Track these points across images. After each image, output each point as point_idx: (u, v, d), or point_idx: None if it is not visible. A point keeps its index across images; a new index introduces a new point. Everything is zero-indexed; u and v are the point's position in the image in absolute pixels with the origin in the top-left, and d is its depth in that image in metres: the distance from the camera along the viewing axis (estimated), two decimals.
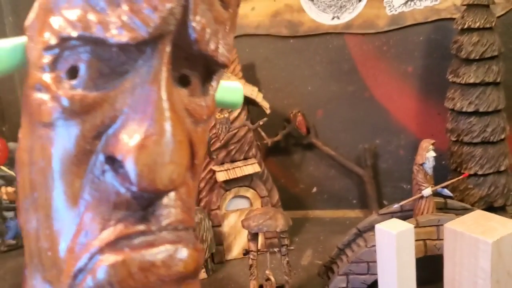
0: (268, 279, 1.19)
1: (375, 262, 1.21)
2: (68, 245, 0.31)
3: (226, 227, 1.57)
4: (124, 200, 0.30)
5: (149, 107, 0.28)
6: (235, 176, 1.53)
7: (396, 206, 1.33)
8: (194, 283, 0.33)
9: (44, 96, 0.30)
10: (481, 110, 1.47)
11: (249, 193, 1.64)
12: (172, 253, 0.31)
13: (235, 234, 1.62)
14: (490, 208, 1.45)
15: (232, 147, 1.55)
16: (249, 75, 1.83)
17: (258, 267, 1.23)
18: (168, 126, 0.28)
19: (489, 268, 0.99)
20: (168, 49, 0.29)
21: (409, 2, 1.75)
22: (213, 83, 0.35)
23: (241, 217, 1.34)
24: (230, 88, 0.42)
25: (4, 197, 1.98)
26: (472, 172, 1.50)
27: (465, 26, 1.46)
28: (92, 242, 0.30)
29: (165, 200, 0.31)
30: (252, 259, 1.20)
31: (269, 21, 1.84)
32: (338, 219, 2.02)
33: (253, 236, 1.20)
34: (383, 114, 1.93)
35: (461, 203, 1.37)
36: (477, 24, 1.44)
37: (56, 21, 0.29)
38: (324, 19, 1.84)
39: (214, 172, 1.50)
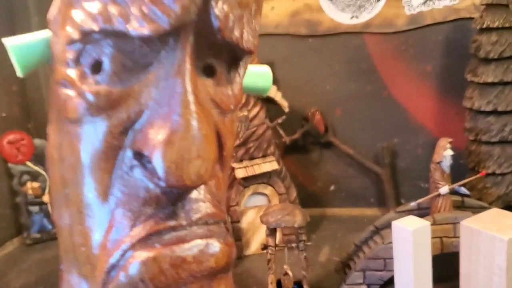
0: (286, 274, 1.20)
1: (391, 258, 1.22)
2: (100, 241, 0.31)
3: (244, 223, 1.60)
4: (153, 195, 0.30)
5: (174, 101, 0.27)
6: (254, 173, 1.55)
7: (413, 204, 1.34)
8: (227, 277, 0.33)
9: (69, 92, 0.30)
10: (499, 109, 1.47)
11: (268, 190, 1.66)
12: (203, 248, 0.30)
13: (253, 230, 1.64)
14: (508, 207, 1.45)
15: (251, 144, 1.58)
16: None
17: (276, 262, 1.26)
18: (194, 121, 0.27)
19: (505, 265, 1.00)
20: (191, 39, 0.28)
21: (428, 2, 1.76)
22: (240, 70, 0.34)
23: (259, 214, 1.37)
24: (258, 73, 0.40)
25: (30, 192, 2.03)
26: (490, 171, 1.50)
27: (484, 26, 1.46)
28: (124, 238, 0.30)
29: (194, 194, 0.31)
30: (270, 253, 1.22)
31: (288, 21, 1.86)
32: (355, 217, 2.03)
33: (271, 231, 1.23)
34: (402, 113, 1.93)
35: (478, 201, 1.37)
36: (496, 24, 1.44)
37: (77, 15, 0.28)
38: (343, 18, 1.86)
39: (233, 169, 1.54)
